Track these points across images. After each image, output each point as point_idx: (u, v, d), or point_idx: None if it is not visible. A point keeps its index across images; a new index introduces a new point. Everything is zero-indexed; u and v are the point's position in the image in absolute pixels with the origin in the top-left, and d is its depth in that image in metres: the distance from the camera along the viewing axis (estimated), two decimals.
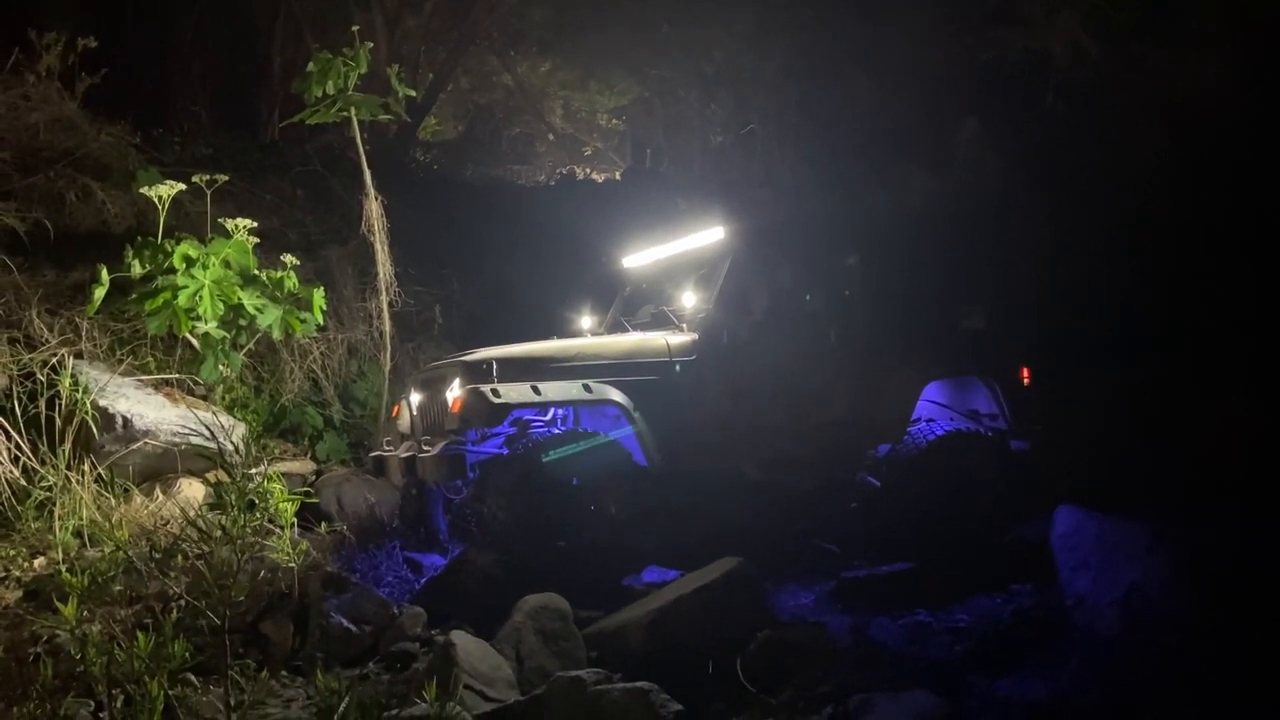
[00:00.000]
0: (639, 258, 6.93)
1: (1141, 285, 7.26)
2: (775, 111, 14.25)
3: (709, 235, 6.26)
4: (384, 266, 6.90)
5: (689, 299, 6.16)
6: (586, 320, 6.89)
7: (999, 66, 9.48)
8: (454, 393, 5.27)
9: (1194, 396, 6.41)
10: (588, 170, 17.67)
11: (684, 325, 5.99)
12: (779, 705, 3.95)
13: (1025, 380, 6.44)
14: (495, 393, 5.12)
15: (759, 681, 4.13)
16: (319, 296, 6.49)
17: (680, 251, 6.54)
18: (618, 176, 16.28)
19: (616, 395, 5.46)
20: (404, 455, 5.57)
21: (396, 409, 6.29)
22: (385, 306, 7.15)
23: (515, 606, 4.42)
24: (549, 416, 5.59)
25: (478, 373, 5.27)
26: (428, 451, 5.28)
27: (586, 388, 5.41)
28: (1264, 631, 3.92)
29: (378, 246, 6.84)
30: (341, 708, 2.65)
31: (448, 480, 5.42)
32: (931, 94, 10.58)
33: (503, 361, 5.33)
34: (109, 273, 6.00)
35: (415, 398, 5.86)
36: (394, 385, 7.18)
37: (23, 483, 5.52)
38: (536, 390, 5.26)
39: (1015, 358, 6.48)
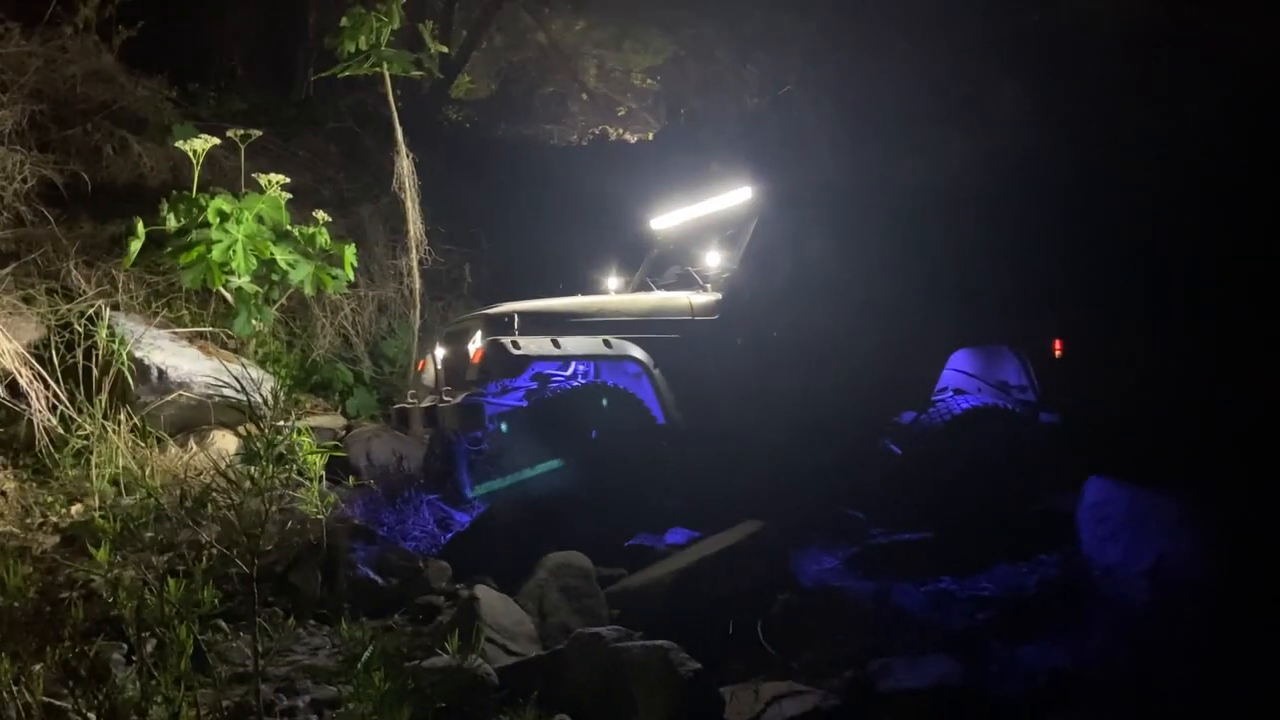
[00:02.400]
0: (667, 219, 6.90)
1: (1185, 255, 7.07)
2: (813, 73, 14.03)
3: (736, 195, 6.20)
4: (414, 224, 6.92)
5: (714, 259, 6.12)
6: (614, 281, 6.88)
7: (1042, 29, 9.26)
8: (475, 345, 5.32)
9: (1231, 371, 6.28)
10: (620, 131, 17.54)
11: (708, 285, 5.95)
12: (798, 667, 3.97)
13: (1058, 352, 6.30)
14: (515, 345, 5.16)
15: (779, 644, 4.15)
16: (350, 253, 6.53)
17: (708, 212, 6.48)
18: (650, 137, 16.15)
19: (636, 352, 5.47)
20: (425, 406, 5.61)
21: (422, 363, 6.35)
22: (415, 264, 7.19)
23: (539, 563, 4.46)
24: (570, 371, 5.61)
25: (499, 325, 5.32)
26: (448, 402, 5.32)
27: (606, 343, 5.42)
28: None
29: (408, 204, 6.85)
30: (365, 656, 2.70)
31: (466, 430, 5.45)
32: (972, 57, 10.36)
33: (524, 315, 5.36)
34: (145, 226, 6.07)
35: (440, 352, 5.92)
36: (423, 343, 7.23)
37: (60, 431, 5.64)
38: (556, 344, 5.29)
39: (1048, 328, 6.34)
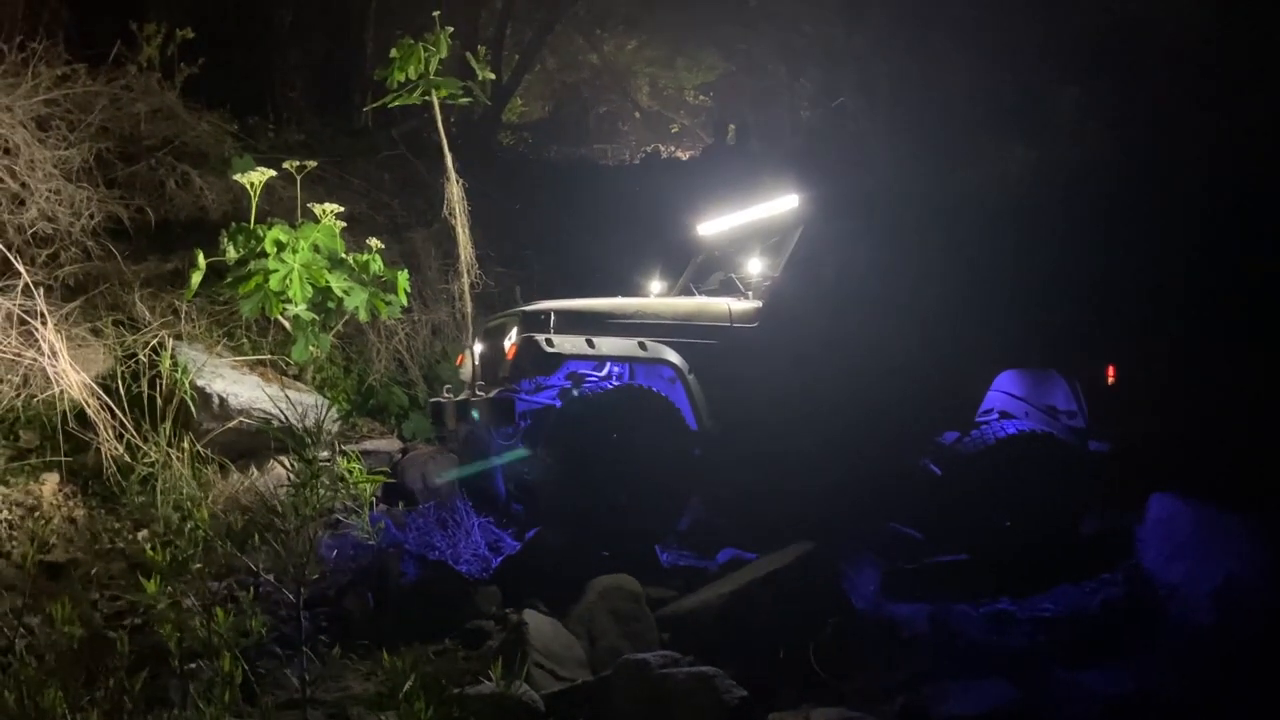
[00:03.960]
0: (713, 225, 6.82)
1: (1253, 276, 6.67)
2: (866, 84, 13.94)
3: (783, 203, 6.11)
4: (465, 249, 6.99)
5: (756, 267, 6.06)
6: (657, 285, 6.82)
7: (1096, 34, 9.05)
8: (510, 341, 5.34)
9: None
10: (673, 148, 17.60)
11: (750, 293, 5.90)
12: (850, 692, 3.91)
13: (1110, 379, 5.98)
14: (549, 342, 5.17)
15: (831, 667, 4.09)
16: (403, 279, 6.63)
17: (754, 219, 6.39)
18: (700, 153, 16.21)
19: (672, 355, 5.42)
20: (458, 400, 5.64)
21: (461, 358, 6.34)
22: (467, 288, 7.25)
23: (588, 586, 4.47)
24: (604, 372, 5.59)
25: (535, 322, 5.33)
26: (480, 397, 5.35)
27: (642, 345, 5.38)
28: None
29: (458, 229, 6.92)
30: (407, 687, 2.71)
31: (496, 425, 5.41)
32: (1027, 63, 10.18)
33: (561, 313, 5.36)
34: (206, 257, 6.24)
35: (478, 348, 5.91)
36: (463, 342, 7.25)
37: (127, 459, 5.79)
38: (591, 344, 5.28)
39: (1101, 353, 6.04)
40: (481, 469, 5.32)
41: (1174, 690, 3.83)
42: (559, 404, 5.30)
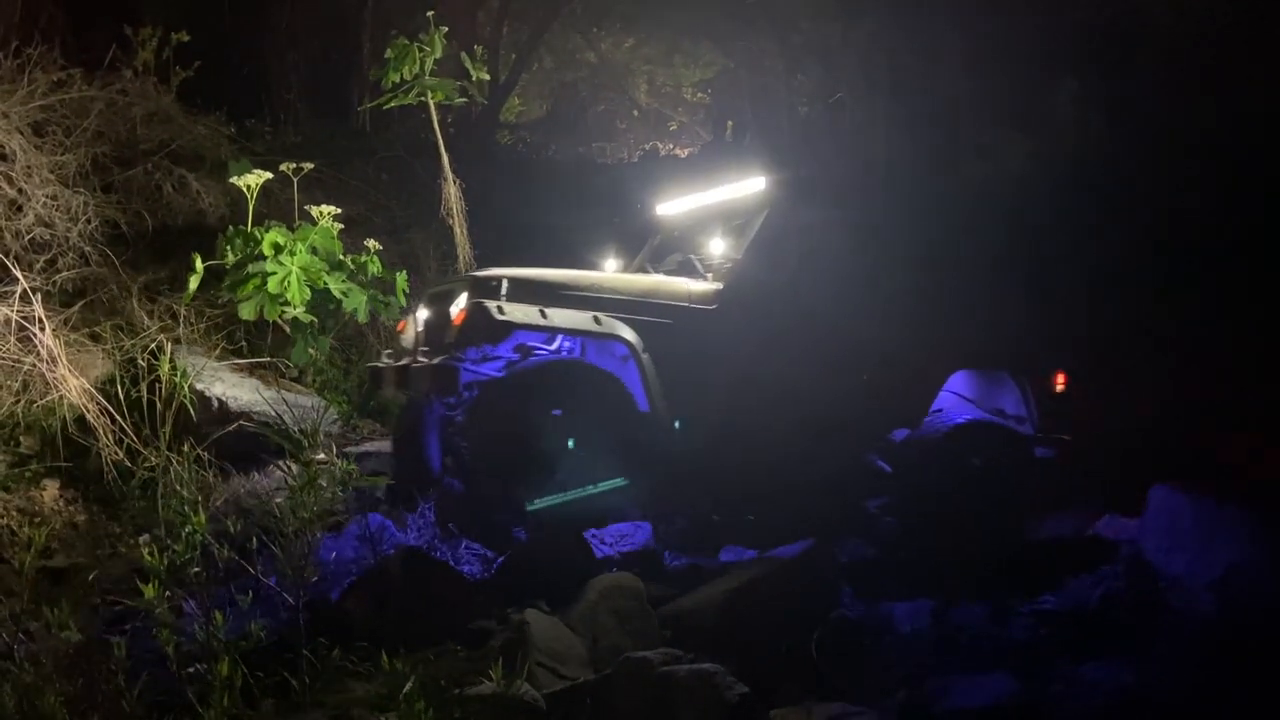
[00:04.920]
0: (674, 205, 6.66)
1: (1244, 268, 6.61)
2: (864, 79, 13.92)
3: (748, 185, 5.97)
4: (463, 249, 7.02)
5: (718, 249, 5.94)
6: (612, 263, 6.64)
7: (1096, 26, 9.01)
8: (458, 306, 5.13)
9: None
10: (671, 146, 17.61)
11: (709, 275, 5.79)
12: (852, 687, 3.90)
13: (1059, 386, 5.91)
14: (500, 310, 4.96)
15: (833, 663, 4.08)
16: (401, 279, 6.65)
17: (717, 201, 6.25)
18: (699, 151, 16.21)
19: (626, 333, 5.25)
20: (398, 366, 5.43)
21: (402, 324, 6.09)
22: None
23: (589, 585, 4.45)
24: (555, 346, 5.39)
25: (485, 289, 5.13)
26: (422, 364, 5.17)
27: (596, 320, 5.21)
28: None
29: (456, 229, 6.96)
30: (407, 688, 2.72)
31: (438, 394, 5.21)
32: (1026, 57, 10.16)
33: (514, 281, 5.18)
34: (203, 260, 6.26)
35: (423, 314, 5.67)
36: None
37: (127, 464, 5.80)
38: (543, 314, 5.08)
39: (1052, 358, 5.97)
40: (576, 497, 5.13)
41: (1176, 682, 3.83)
42: (502, 375, 5.11)
